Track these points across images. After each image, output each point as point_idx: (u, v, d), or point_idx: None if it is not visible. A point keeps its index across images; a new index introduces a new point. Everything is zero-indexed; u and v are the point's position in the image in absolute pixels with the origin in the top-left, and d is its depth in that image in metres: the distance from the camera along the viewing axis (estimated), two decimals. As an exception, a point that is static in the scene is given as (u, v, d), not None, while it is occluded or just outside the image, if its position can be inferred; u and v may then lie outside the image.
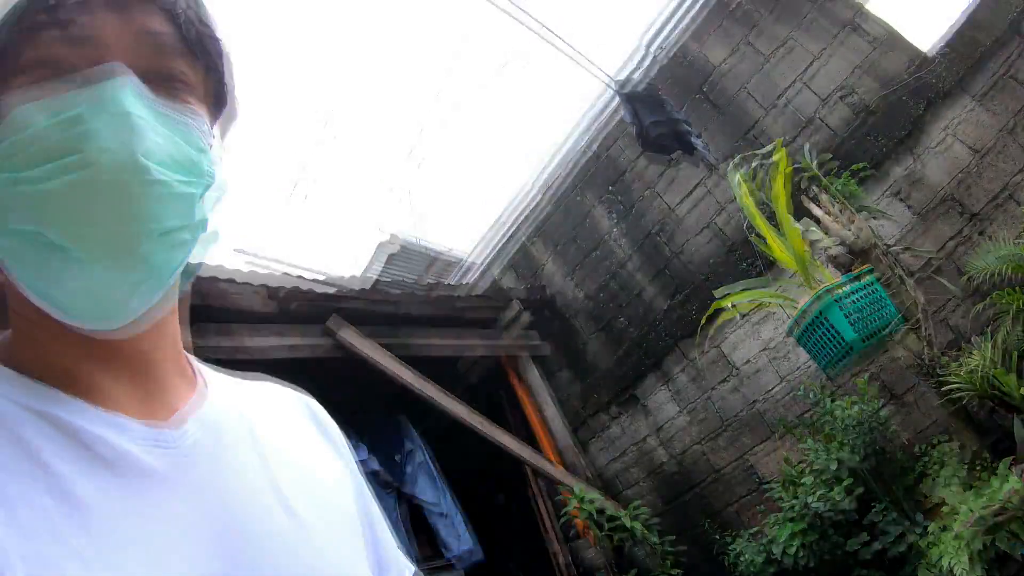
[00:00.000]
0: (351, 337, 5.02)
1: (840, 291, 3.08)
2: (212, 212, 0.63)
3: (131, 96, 0.55)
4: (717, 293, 3.43)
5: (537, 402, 6.00)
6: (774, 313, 4.72)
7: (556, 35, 4.24)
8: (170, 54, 0.60)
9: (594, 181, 6.37)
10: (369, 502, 0.81)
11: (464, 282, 7.66)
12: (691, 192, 5.60)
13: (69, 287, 0.54)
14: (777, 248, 3.35)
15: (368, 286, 7.77)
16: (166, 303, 0.62)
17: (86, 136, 0.53)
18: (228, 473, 0.62)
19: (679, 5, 5.91)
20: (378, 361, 5.08)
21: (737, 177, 3.43)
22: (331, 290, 5.20)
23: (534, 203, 6.76)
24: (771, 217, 3.72)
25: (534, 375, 6.11)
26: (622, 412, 5.78)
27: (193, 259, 0.61)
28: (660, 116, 4.32)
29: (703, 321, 4.00)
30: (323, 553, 0.65)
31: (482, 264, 7.29)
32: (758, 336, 4.93)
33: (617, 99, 6.03)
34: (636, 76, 6.07)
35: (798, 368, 4.64)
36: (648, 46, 6.10)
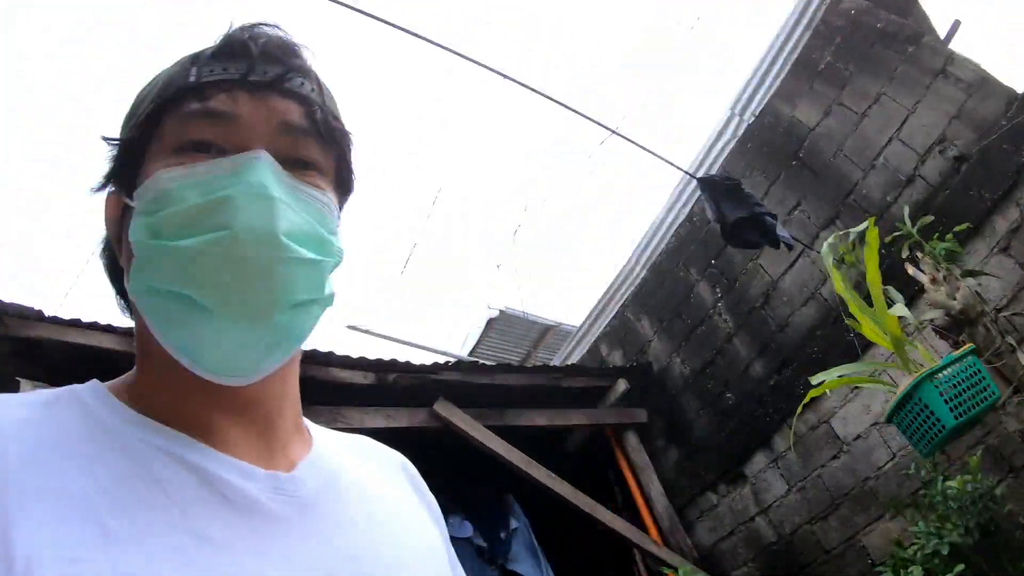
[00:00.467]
0: (447, 410, 5.15)
1: (936, 369, 2.92)
2: (331, 278, 0.68)
3: (270, 177, 0.61)
4: (814, 380, 3.30)
5: (638, 475, 5.85)
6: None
7: (614, 129, 4.31)
8: (304, 141, 0.67)
9: (687, 246, 6.32)
10: (459, 569, 0.83)
11: (565, 349, 7.72)
12: (791, 263, 5.43)
13: (206, 344, 0.60)
14: (870, 330, 3.21)
15: (466, 355, 7.99)
16: (288, 360, 0.67)
17: (229, 210, 0.58)
18: (336, 519, 0.66)
19: (761, 67, 5.91)
20: (474, 436, 5.16)
21: (827, 258, 3.33)
22: (428, 363, 5.41)
23: (630, 270, 6.78)
24: (863, 288, 3.58)
25: (635, 448, 5.98)
26: (726, 487, 5.52)
27: (313, 323, 0.66)
28: (737, 202, 4.25)
29: (799, 411, 3.83)
30: None
31: (581, 331, 7.32)
32: (865, 408, 4.65)
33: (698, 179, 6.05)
34: (726, 142, 6.06)
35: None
36: (733, 107, 6.11)
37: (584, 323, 7.26)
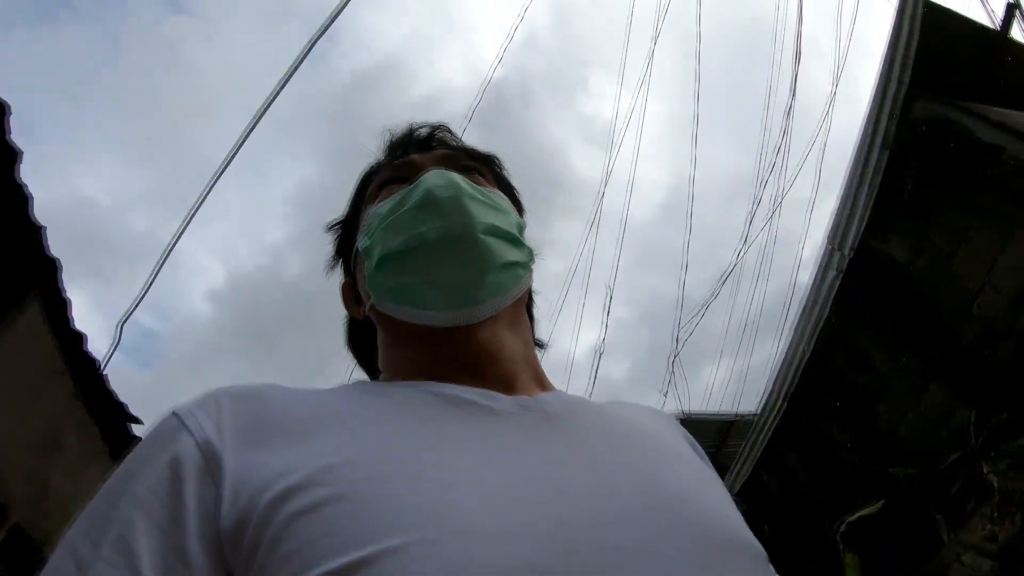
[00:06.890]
0: None
1: None
2: (525, 239, 0.84)
3: (441, 169, 0.82)
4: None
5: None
6: None
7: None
8: (460, 158, 0.90)
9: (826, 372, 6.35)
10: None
11: (746, 444, 7.93)
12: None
13: (430, 282, 0.74)
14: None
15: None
16: (507, 300, 0.78)
17: (419, 188, 0.78)
18: (588, 431, 0.69)
19: (848, 196, 5.72)
20: None
21: (840, 546, 3.46)
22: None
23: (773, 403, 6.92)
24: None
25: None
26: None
27: (516, 259, 0.80)
28: None
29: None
30: (690, 489, 0.66)
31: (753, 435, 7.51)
32: None
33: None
34: (834, 277, 5.95)
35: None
36: (832, 240, 5.95)
37: (751, 433, 7.47)
